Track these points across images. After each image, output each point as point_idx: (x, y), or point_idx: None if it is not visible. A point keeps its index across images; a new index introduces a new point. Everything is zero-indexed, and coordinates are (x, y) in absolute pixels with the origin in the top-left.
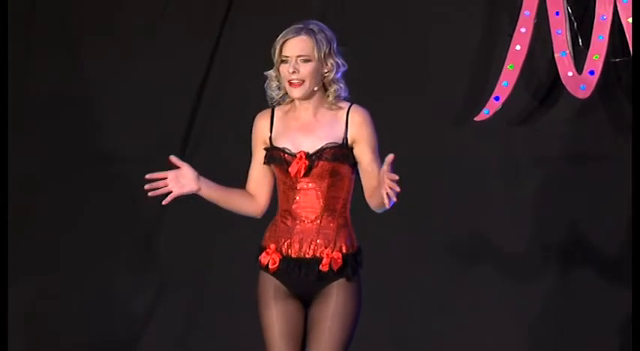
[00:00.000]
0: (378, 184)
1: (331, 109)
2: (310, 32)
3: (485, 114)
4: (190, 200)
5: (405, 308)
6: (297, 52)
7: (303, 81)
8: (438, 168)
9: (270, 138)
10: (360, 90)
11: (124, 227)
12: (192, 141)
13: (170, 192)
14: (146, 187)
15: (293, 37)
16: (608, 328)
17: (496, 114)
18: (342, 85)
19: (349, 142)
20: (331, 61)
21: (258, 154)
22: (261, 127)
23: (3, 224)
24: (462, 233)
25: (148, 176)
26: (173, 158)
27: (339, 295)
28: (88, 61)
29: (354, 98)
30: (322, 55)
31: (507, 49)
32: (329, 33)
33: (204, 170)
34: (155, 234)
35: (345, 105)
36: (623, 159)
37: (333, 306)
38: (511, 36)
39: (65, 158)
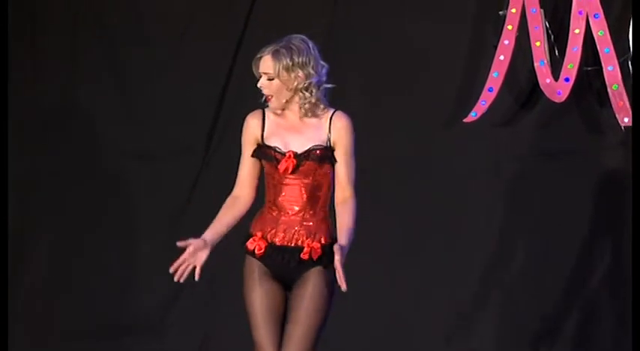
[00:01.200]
0: (343, 201)
1: (315, 115)
2: (275, 52)
3: (473, 116)
4: (216, 187)
5: (394, 302)
6: (263, 70)
7: (271, 96)
8: (429, 164)
9: (262, 136)
10: (359, 94)
11: (152, 214)
12: (216, 140)
13: (194, 268)
14: (176, 277)
15: (262, 56)
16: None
17: (483, 116)
18: (311, 93)
19: (331, 144)
20: (295, 74)
21: (249, 152)
22: (252, 126)
23: (3, 215)
24: (447, 226)
25: (171, 270)
26: (179, 243)
27: (316, 281)
28: (122, 65)
29: (354, 99)
30: (284, 71)
31: (492, 59)
32: (296, 48)
33: (225, 167)
34: (182, 217)
35: (329, 110)
36: (594, 155)
37: (310, 290)
38: (496, 47)
39: (101, 154)
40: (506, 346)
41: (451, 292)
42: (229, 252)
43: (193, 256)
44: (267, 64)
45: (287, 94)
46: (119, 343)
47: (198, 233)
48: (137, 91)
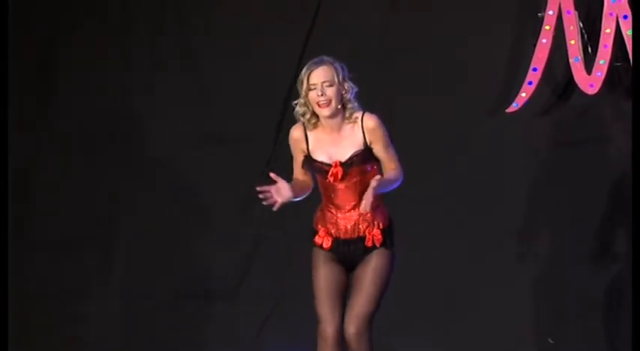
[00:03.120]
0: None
1: (349, 123)
2: (328, 63)
3: (514, 107)
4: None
5: (427, 280)
6: (321, 79)
7: (330, 101)
8: (476, 148)
9: (308, 149)
10: (415, 87)
11: (226, 187)
12: (284, 128)
13: (276, 201)
14: (260, 196)
15: (316, 68)
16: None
17: (523, 107)
18: (356, 104)
19: (368, 144)
20: (346, 84)
21: (299, 159)
22: (297, 139)
23: (3, 207)
24: (487, 208)
25: (258, 189)
26: (272, 175)
27: (378, 258)
28: (201, 58)
29: (407, 92)
30: (340, 79)
31: (532, 56)
32: (341, 64)
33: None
34: (253, 195)
35: (359, 114)
36: (622, 142)
37: (372, 266)
38: (535, 45)
39: (186, 137)
40: (535, 327)
41: (483, 275)
42: (303, 229)
43: (277, 193)
44: (326, 73)
45: (339, 101)
46: (196, 307)
47: (266, 210)
48: (214, 84)
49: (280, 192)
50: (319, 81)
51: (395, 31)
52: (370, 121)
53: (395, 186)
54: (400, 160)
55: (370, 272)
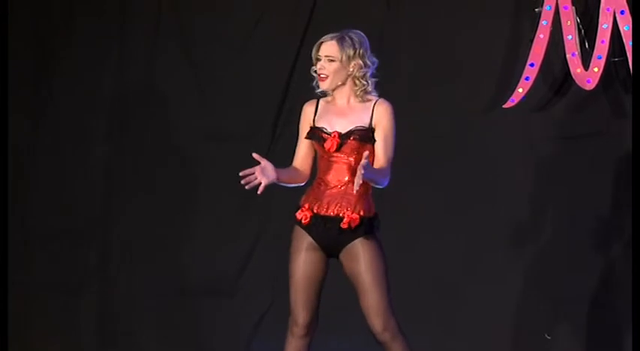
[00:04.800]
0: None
1: (362, 101)
2: (339, 39)
3: (511, 102)
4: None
5: (435, 268)
6: (325, 53)
7: (327, 76)
8: (473, 143)
9: (314, 120)
10: (411, 81)
11: (225, 187)
12: (281, 124)
13: (260, 183)
14: (242, 182)
15: (325, 41)
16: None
17: (520, 102)
18: (366, 82)
19: (373, 125)
20: (355, 62)
21: (303, 134)
22: (308, 113)
23: (3, 207)
24: (485, 204)
25: (241, 174)
26: (256, 155)
27: (365, 252)
28: (200, 57)
29: (405, 86)
30: (346, 57)
31: (529, 51)
32: (357, 39)
33: (289, 148)
34: (250, 192)
35: (374, 98)
36: (620, 137)
37: (363, 263)
38: (532, 41)
39: (185, 136)
40: (533, 324)
41: (480, 271)
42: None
43: (262, 174)
44: (332, 48)
45: (341, 78)
46: (196, 305)
47: (264, 207)
48: (211, 82)
49: (265, 172)
50: (323, 54)
51: (392, 26)
52: (383, 104)
53: (381, 183)
54: (392, 165)
55: (365, 273)
